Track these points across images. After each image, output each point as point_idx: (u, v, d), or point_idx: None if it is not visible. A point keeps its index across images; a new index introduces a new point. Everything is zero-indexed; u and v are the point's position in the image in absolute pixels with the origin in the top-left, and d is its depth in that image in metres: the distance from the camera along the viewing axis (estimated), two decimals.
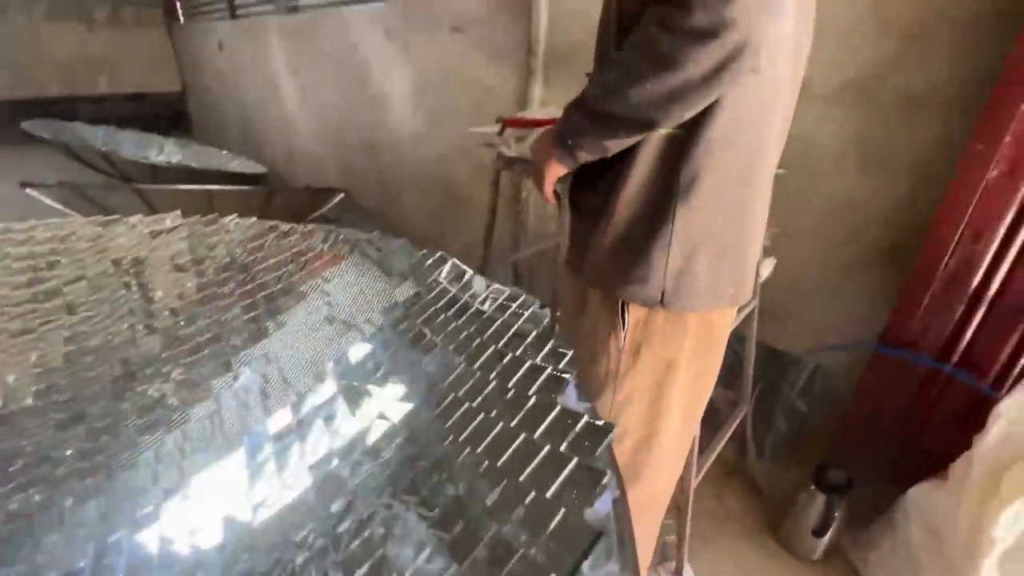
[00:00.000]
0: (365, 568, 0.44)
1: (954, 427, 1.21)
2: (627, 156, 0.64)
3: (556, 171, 0.70)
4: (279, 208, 2.68)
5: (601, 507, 0.35)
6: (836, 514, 1.28)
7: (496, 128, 1.25)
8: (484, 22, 2.15)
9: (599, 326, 0.75)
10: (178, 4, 5.33)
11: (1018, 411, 1.02)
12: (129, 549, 0.61)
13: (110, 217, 1.16)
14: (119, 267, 1.09)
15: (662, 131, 0.61)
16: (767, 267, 1.21)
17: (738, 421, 1.36)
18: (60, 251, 1.10)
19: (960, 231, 1.11)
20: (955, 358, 1.21)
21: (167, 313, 1.01)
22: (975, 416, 1.11)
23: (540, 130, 1.10)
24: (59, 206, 2.18)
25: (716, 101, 0.57)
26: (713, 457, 1.23)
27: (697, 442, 1.02)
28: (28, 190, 2.18)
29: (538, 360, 0.57)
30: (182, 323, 0.99)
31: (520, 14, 1.96)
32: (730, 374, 1.33)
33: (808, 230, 1.45)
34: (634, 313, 0.71)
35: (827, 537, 1.31)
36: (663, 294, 0.68)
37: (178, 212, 1.17)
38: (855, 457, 1.39)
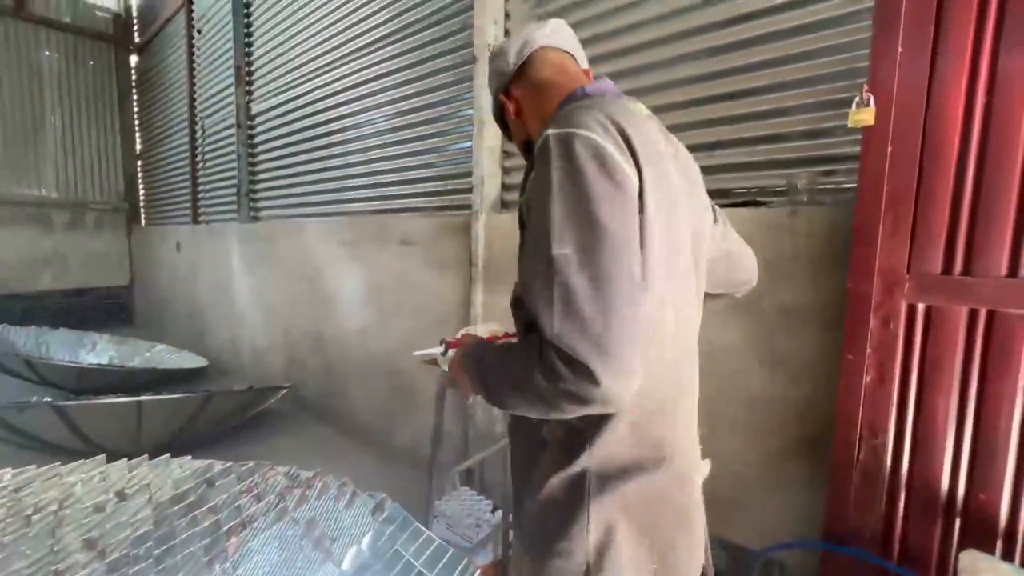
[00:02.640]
0: None
1: None
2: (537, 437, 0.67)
3: (467, 388, 0.73)
4: (217, 412, 2.57)
5: None
6: None
7: (440, 349, 1.34)
8: (430, 237, 2.44)
9: None
10: (142, 210, 5.69)
11: None
12: None
13: (27, 471, 1.08)
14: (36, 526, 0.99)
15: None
16: (705, 468, 1.26)
17: None
18: None
19: (859, 429, 1.24)
20: (895, 554, 1.24)
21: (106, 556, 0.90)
22: None
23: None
24: None
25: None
26: None
27: None
28: None
29: None
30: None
31: (461, 233, 2.26)
32: None
33: (736, 420, 1.55)
34: None
35: None
36: (587, 570, 0.64)
37: (102, 456, 1.12)
38: None
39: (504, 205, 2.24)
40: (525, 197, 0.63)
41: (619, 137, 0.59)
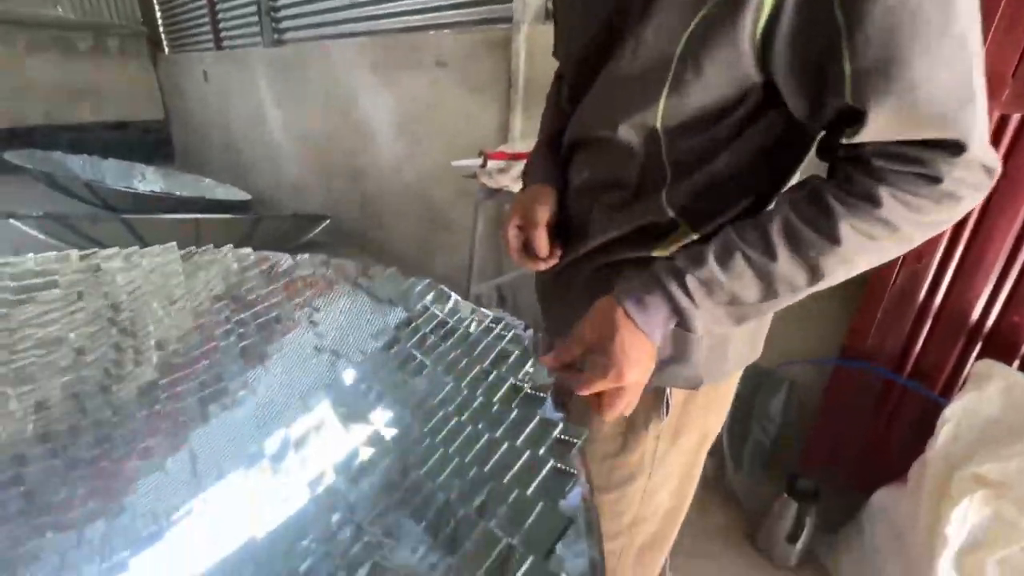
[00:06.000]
0: (366, 568, 0.49)
1: (911, 434, 1.29)
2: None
3: (649, 354, 0.51)
4: (265, 235, 2.72)
5: (572, 500, 0.41)
6: (807, 521, 1.34)
7: (478, 161, 1.33)
8: (465, 56, 2.26)
9: (632, 416, 0.65)
10: (163, 35, 5.40)
11: (962, 415, 1.10)
12: (136, 568, 0.65)
13: (108, 251, 1.20)
14: (113, 299, 1.13)
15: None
16: None
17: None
18: (55, 284, 1.13)
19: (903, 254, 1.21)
20: (908, 369, 1.30)
21: (162, 344, 1.05)
22: (928, 422, 1.19)
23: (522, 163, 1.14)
24: (44, 237, 2.19)
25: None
26: None
27: None
28: (12, 221, 2.19)
29: (520, 377, 0.63)
30: (177, 353, 1.03)
31: (500, 49, 2.07)
32: None
33: None
34: (676, 397, 0.65)
35: (801, 543, 1.37)
36: (706, 369, 0.62)
37: (173, 244, 1.22)
38: (824, 466, 1.47)
39: (549, 15, 2.00)
40: None
41: None
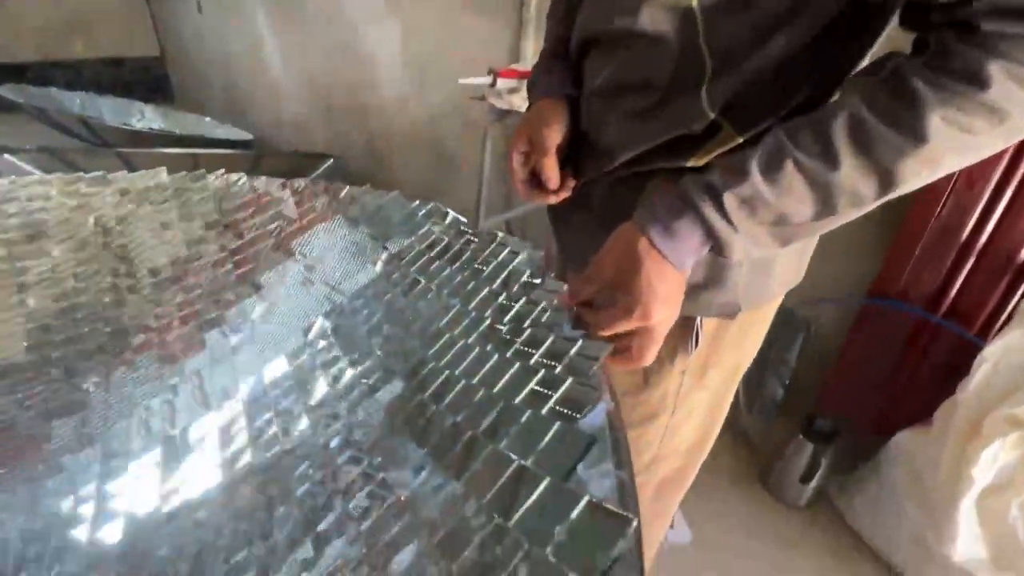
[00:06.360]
0: (365, 492, 0.45)
1: (940, 375, 1.24)
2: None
3: (679, 287, 0.45)
4: (267, 173, 2.63)
5: (595, 419, 0.36)
6: (823, 462, 1.32)
7: (488, 79, 1.22)
8: None
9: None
10: None
11: (1002, 356, 1.04)
12: (131, 482, 0.62)
13: (93, 175, 1.14)
14: (103, 225, 1.07)
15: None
16: None
17: None
18: (44, 208, 1.07)
19: (954, 180, 1.11)
20: (943, 308, 1.23)
21: (155, 271, 1.00)
22: (961, 364, 1.13)
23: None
24: (39, 172, 2.13)
25: None
26: None
27: None
28: (6, 155, 2.12)
29: (532, 296, 0.57)
30: (171, 280, 0.98)
31: None
32: None
33: None
34: (706, 327, 0.58)
35: (813, 484, 1.35)
36: (745, 294, 0.55)
37: (163, 168, 1.15)
38: (843, 407, 1.43)
39: None
40: None
41: None
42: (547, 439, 0.36)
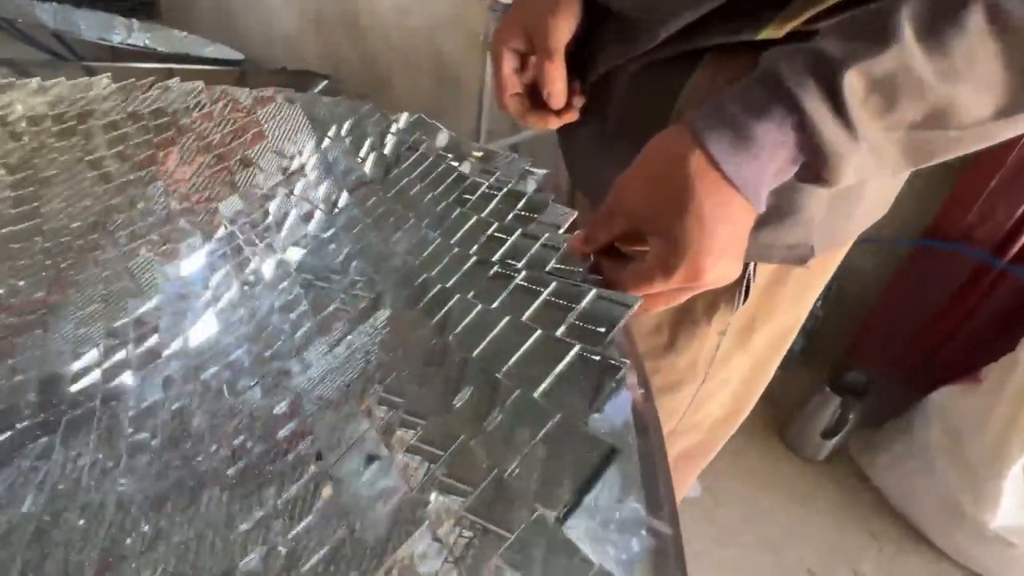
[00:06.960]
0: (305, 478, 0.34)
1: (996, 328, 1.10)
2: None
3: (745, 231, 0.30)
4: None
5: (615, 413, 0.23)
6: (850, 417, 1.22)
7: None
8: None
9: (689, 302, 0.43)
10: None
11: None
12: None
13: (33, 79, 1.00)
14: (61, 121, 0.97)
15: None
16: None
17: None
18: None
19: None
20: (1011, 253, 1.07)
21: (108, 177, 0.89)
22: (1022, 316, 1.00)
23: None
24: None
25: None
26: None
27: None
28: None
29: (530, 228, 0.43)
30: (139, 196, 0.87)
31: None
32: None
33: None
34: (760, 276, 0.43)
35: (835, 439, 1.26)
36: (821, 232, 0.40)
37: (108, 74, 1.02)
38: (877, 360, 1.31)
39: None
40: None
41: None
42: (543, 438, 0.24)
